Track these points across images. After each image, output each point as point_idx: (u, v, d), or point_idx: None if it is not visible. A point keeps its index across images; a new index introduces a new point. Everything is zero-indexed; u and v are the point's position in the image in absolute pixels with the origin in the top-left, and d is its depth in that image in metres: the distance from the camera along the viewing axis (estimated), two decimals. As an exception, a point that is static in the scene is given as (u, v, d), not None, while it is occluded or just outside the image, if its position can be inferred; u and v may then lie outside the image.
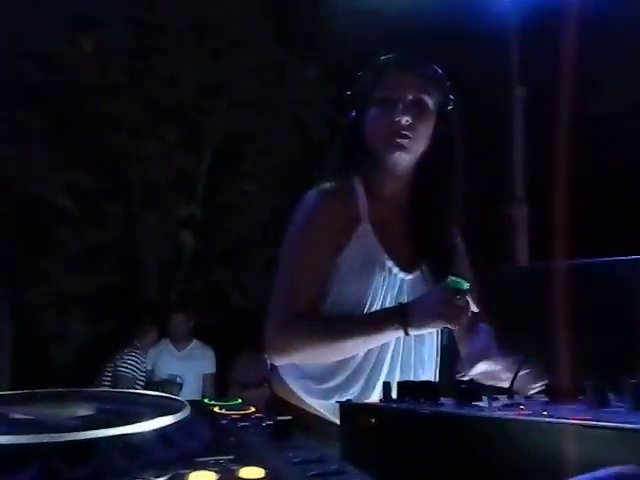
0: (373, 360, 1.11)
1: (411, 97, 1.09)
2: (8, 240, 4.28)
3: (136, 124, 4.95)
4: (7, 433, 0.38)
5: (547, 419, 0.41)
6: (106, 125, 4.88)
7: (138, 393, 0.59)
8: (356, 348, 1.07)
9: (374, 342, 1.06)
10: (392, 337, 1.06)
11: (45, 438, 0.38)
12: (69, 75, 4.76)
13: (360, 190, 1.14)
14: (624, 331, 0.90)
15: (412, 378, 1.12)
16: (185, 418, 0.46)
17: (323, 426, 1.06)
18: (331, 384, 1.10)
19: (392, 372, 1.12)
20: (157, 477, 0.38)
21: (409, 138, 1.09)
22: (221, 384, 3.67)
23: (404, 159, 1.11)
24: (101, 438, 0.39)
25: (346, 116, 1.17)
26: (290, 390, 1.14)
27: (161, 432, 0.42)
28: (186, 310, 3.88)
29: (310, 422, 1.07)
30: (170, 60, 5.00)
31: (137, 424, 0.41)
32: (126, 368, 3.43)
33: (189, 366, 3.59)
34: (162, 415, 0.44)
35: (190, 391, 3.37)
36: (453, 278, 0.99)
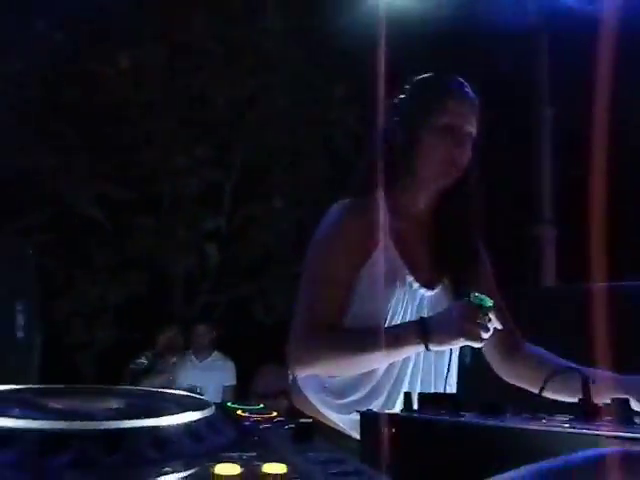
0: (394, 375, 1.11)
1: (468, 130, 1.12)
2: (41, 249, 4.42)
3: (168, 139, 5.09)
4: (46, 419, 0.40)
5: (568, 430, 0.42)
6: (139, 140, 5.04)
7: (166, 391, 0.61)
8: (377, 362, 1.07)
9: (395, 356, 1.06)
10: (413, 352, 1.06)
11: (81, 426, 0.40)
12: (105, 92, 4.94)
13: (382, 206, 1.14)
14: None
15: (431, 392, 1.12)
16: (211, 415, 0.48)
17: (342, 440, 1.06)
18: (352, 398, 1.10)
19: (413, 387, 1.11)
20: (184, 469, 0.40)
21: (462, 170, 1.12)
22: (241, 396, 3.69)
23: (447, 184, 1.14)
24: (133, 429, 0.41)
25: (387, 132, 1.16)
26: (309, 403, 1.14)
27: (189, 426, 0.44)
28: (209, 322, 3.93)
29: (328, 435, 1.07)
30: (202, 77, 5.15)
31: (166, 417, 0.43)
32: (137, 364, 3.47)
33: (210, 377, 3.62)
34: (190, 410, 0.46)
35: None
36: (477, 294, 0.98)
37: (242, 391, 3.73)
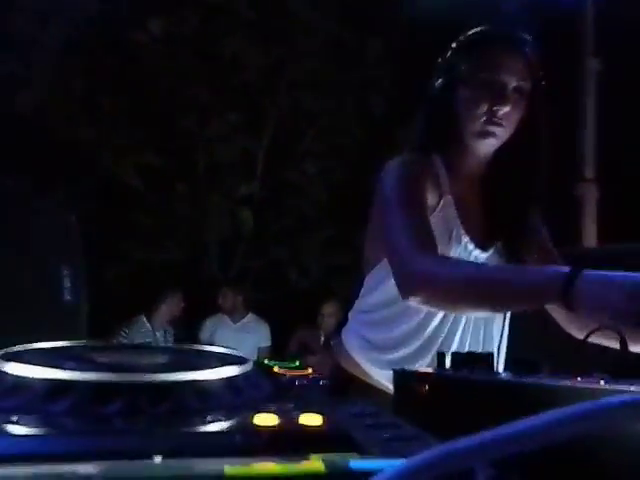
0: (444, 333, 1.11)
1: (514, 84, 1.05)
2: (85, 217, 4.57)
3: (202, 106, 5.11)
4: (98, 371, 0.43)
5: (602, 387, 0.42)
6: (174, 108, 5.07)
7: (207, 348, 0.63)
8: (505, 306, 0.97)
9: (526, 306, 0.94)
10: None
11: (130, 377, 0.43)
12: (139, 60, 4.97)
13: (440, 164, 1.13)
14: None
15: (482, 351, 1.11)
16: (249, 370, 0.50)
17: (385, 398, 1.07)
18: (400, 354, 1.11)
19: (462, 346, 1.11)
20: (225, 419, 0.42)
21: (503, 127, 1.07)
22: (277, 357, 3.79)
23: (492, 145, 1.10)
24: (177, 381, 0.44)
25: (433, 88, 1.13)
26: (355, 363, 1.14)
27: (228, 380, 0.46)
28: (237, 285, 4.02)
29: (372, 394, 1.09)
30: (233, 42, 5.09)
31: (208, 371, 0.46)
32: (136, 337, 3.52)
33: (244, 338, 3.74)
34: (229, 365, 0.48)
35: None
36: None
37: (278, 352, 3.84)
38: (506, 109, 1.05)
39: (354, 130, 5.19)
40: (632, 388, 0.40)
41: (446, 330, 1.11)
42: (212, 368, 0.46)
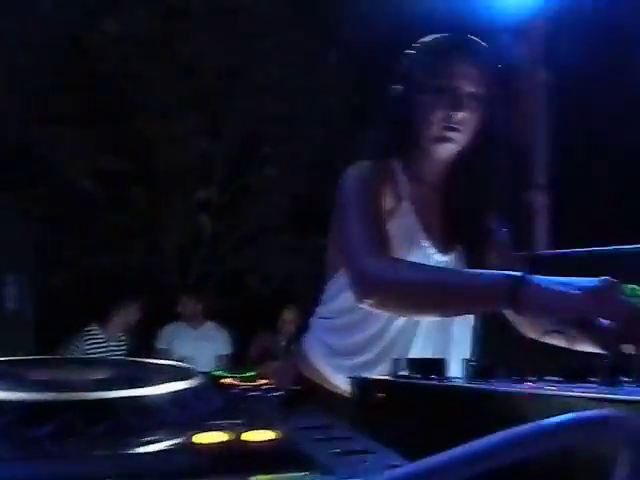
0: (405, 337, 1.10)
1: (469, 90, 1.07)
2: (38, 222, 4.38)
3: (160, 108, 5.00)
4: (30, 390, 0.40)
5: (552, 392, 0.42)
6: (131, 109, 4.94)
7: (153, 361, 0.60)
8: (456, 310, 0.98)
9: (476, 310, 0.98)
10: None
11: (65, 396, 0.40)
12: (94, 59, 4.82)
13: (399, 170, 1.13)
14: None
15: (443, 356, 1.12)
16: (197, 384, 0.48)
17: (348, 405, 1.06)
18: (362, 359, 1.09)
19: (424, 351, 1.11)
20: (168, 437, 0.40)
21: (460, 132, 1.08)
22: (237, 365, 3.73)
23: (450, 150, 1.11)
24: (116, 399, 0.41)
25: (391, 95, 1.13)
26: (316, 370, 1.14)
27: (173, 396, 0.44)
28: (197, 292, 3.94)
29: (335, 403, 1.07)
30: (193, 44, 5.01)
31: (150, 387, 0.43)
32: (88, 348, 3.40)
33: (204, 347, 3.66)
34: (175, 380, 0.46)
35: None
36: (635, 287, 0.78)
37: (238, 360, 3.78)
38: (462, 115, 1.07)
39: (314, 135, 5.20)
40: (576, 393, 0.40)
41: (407, 335, 1.10)
42: (155, 383, 0.44)
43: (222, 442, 0.38)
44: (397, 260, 0.98)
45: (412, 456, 0.56)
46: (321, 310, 1.21)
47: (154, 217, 5.04)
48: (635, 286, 0.78)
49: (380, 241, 0.99)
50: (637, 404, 0.38)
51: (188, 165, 5.16)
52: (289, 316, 3.75)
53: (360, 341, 1.10)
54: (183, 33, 4.99)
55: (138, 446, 0.38)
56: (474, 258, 1.12)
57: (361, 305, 0.98)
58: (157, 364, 0.60)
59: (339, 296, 1.14)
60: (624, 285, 0.78)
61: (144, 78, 4.89)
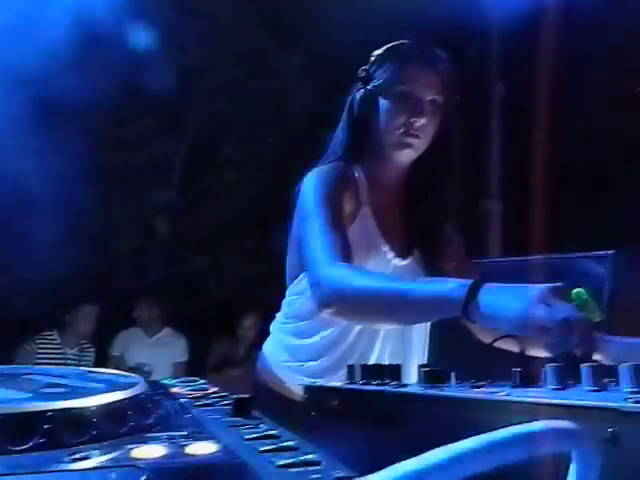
0: (364, 343, 1.10)
1: (429, 97, 1.09)
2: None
3: (115, 109, 4.85)
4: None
5: (503, 398, 0.42)
6: (85, 109, 4.77)
7: (96, 370, 0.57)
8: (410, 319, 0.98)
9: (431, 318, 1.01)
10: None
11: (-14, 410, 0.37)
12: (46, 54, 4.63)
13: (359, 174, 1.14)
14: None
15: (400, 362, 1.12)
16: (139, 394, 0.45)
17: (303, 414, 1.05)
18: (320, 365, 1.09)
19: (382, 355, 1.12)
20: (104, 452, 0.37)
21: (420, 138, 1.10)
22: (195, 372, 3.65)
23: (409, 155, 1.13)
24: (46, 411, 0.38)
25: (353, 99, 1.15)
26: (276, 376, 1.13)
27: (111, 407, 0.41)
28: (155, 297, 3.84)
29: (294, 409, 1.06)
30: (150, 43, 4.90)
31: (86, 398, 0.40)
32: (40, 355, 3.25)
33: (160, 353, 3.56)
34: (113, 391, 0.43)
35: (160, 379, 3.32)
36: (579, 290, 0.79)
37: (197, 367, 3.69)
38: (422, 121, 1.09)
39: (274, 139, 5.17)
40: (527, 398, 0.40)
41: (366, 340, 1.11)
42: (92, 394, 0.41)
43: (162, 456, 0.36)
44: (354, 269, 0.98)
45: (364, 464, 0.55)
46: (281, 315, 1.20)
47: (109, 220, 4.88)
48: (580, 289, 0.79)
49: (340, 248, 0.98)
50: (585, 409, 0.38)
51: (145, 167, 5.03)
52: (248, 322, 3.70)
53: (320, 346, 1.10)
54: (140, 32, 4.88)
55: (69, 463, 0.35)
56: (431, 263, 1.14)
57: (321, 313, 0.98)
58: (99, 373, 0.57)
59: (299, 301, 1.13)
60: (570, 289, 0.79)
61: (97, 76, 4.73)
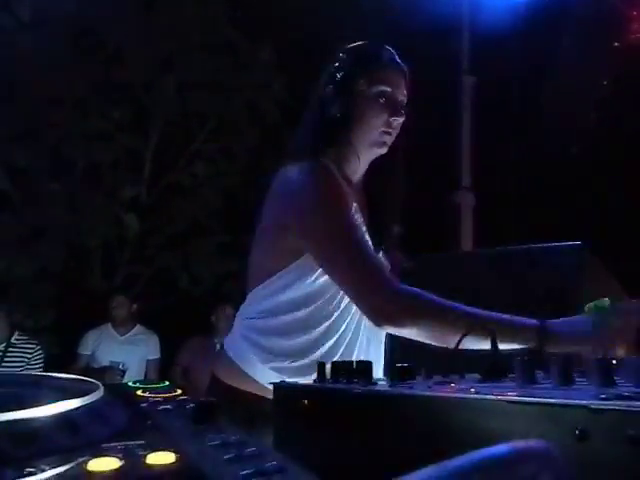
0: (346, 341, 1.10)
1: (402, 98, 1.15)
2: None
3: (80, 101, 4.71)
4: None
5: (473, 395, 0.41)
6: (48, 102, 4.62)
7: (53, 376, 0.54)
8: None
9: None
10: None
11: None
12: (7, 46, 4.45)
13: (335, 171, 1.13)
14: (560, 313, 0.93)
15: (382, 361, 1.14)
16: (95, 401, 0.43)
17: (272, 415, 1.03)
18: (303, 362, 1.08)
19: (366, 354, 1.12)
20: (54, 465, 0.35)
21: (392, 136, 1.15)
22: (167, 370, 3.59)
23: (380, 153, 1.16)
24: (-9, 424, 0.35)
25: (325, 96, 1.14)
26: (243, 374, 1.10)
27: (64, 417, 0.39)
28: (127, 293, 3.75)
29: (258, 411, 1.03)
30: (117, 36, 4.77)
31: (35, 408, 0.38)
32: (16, 359, 3.12)
33: (132, 351, 3.48)
34: (67, 398, 0.40)
35: (133, 378, 3.25)
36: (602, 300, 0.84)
37: (168, 364, 3.63)
38: (400, 120, 1.13)
39: (245, 133, 5.11)
40: (495, 397, 0.40)
41: (348, 339, 1.10)
42: (42, 403, 0.38)
43: (118, 469, 0.34)
44: (417, 290, 0.98)
45: (332, 468, 0.54)
46: (247, 310, 1.16)
47: (75, 216, 4.74)
48: (604, 299, 0.85)
49: (380, 261, 1.06)
50: (552, 406, 0.37)
51: (112, 161, 4.90)
52: (222, 315, 3.64)
53: (303, 343, 1.08)
54: (107, 23, 4.74)
55: (17, 478, 0.33)
56: (390, 257, 1.17)
57: (380, 328, 0.99)
58: (57, 379, 0.54)
59: (276, 296, 1.10)
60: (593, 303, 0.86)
61: (62, 68, 4.58)
